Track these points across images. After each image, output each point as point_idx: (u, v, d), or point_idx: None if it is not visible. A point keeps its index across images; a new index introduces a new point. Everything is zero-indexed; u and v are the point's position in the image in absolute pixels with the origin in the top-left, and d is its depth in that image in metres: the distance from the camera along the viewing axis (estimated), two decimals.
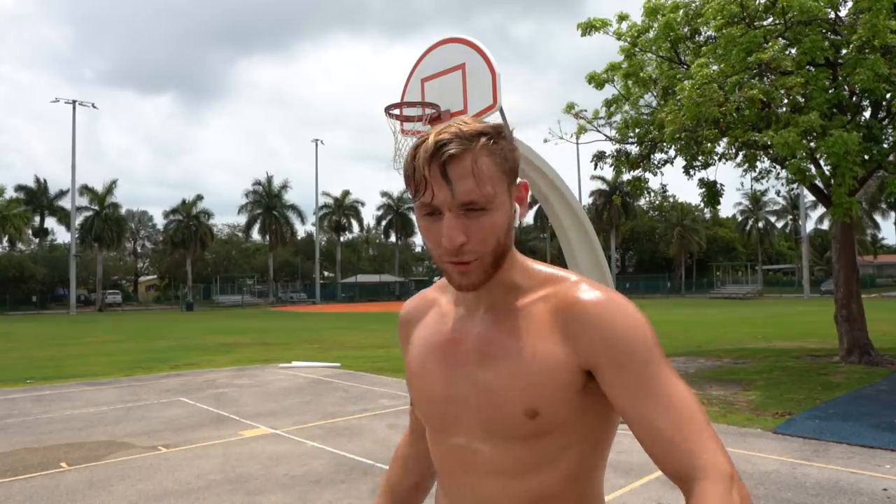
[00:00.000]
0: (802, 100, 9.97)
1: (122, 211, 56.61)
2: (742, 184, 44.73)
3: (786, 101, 10.33)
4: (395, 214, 67.71)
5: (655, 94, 11.92)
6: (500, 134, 0.96)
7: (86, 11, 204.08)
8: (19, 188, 53.06)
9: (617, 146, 12.77)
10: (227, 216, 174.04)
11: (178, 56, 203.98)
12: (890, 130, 10.69)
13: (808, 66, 10.04)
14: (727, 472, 0.85)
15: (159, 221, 65.05)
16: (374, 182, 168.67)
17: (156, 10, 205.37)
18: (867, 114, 10.89)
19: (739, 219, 67.52)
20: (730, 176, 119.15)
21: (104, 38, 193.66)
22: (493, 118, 6.70)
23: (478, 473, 1.02)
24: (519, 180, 1.00)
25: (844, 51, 10.10)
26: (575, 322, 0.95)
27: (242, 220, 62.61)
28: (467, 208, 0.92)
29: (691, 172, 12.27)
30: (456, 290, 1.02)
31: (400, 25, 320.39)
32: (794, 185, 15.01)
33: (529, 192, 1.03)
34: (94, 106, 49.47)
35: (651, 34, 11.80)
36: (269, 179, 60.77)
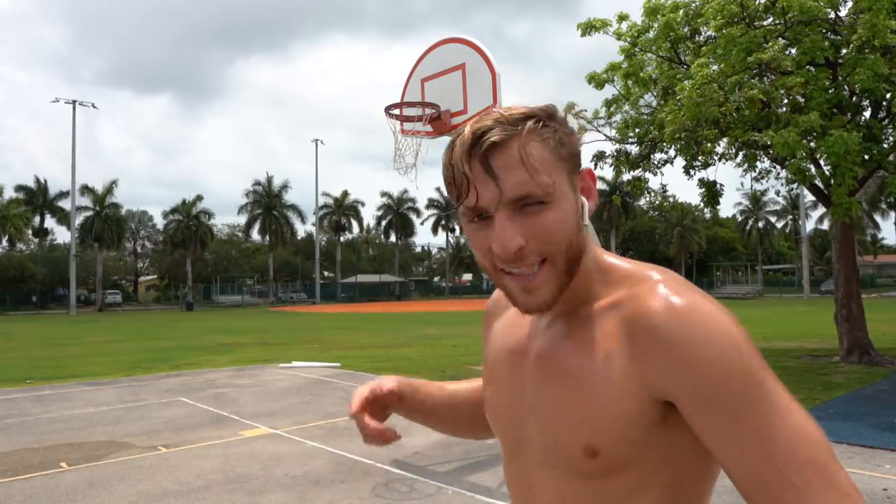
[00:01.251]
0: (802, 100, 9.97)
1: (123, 211, 56.73)
2: (742, 184, 44.74)
3: (786, 101, 10.33)
4: (394, 214, 67.73)
5: (655, 94, 11.92)
6: (550, 116, 0.80)
7: (82, 11, 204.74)
8: (19, 188, 53.16)
9: (617, 146, 12.77)
10: (224, 216, 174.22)
11: (175, 56, 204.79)
12: (890, 130, 10.69)
13: (808, 66, 10.04)
14: None
15: (159, 221, 65.17)
16: (373, 182, 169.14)
17: (152, 10, 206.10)
18: (867, 114, 10.89)
19: (739, 219, 67.59)
20: (730, 176, 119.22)
21: (101, 38, 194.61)
22: None
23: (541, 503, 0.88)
24: (583, 168, 0.84)
25: (844, 51, 10.10)
26: (643, 340, 0.75)
27: (242, 219, 62.74)
28: (522, 204, 0.77)
29: (691, 172, 12.27)
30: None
31: (397, 26, 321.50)
32: (794, 185, 15.01)
33: (597, 182, 0.87)
34: (94, 106, 49.53)
35: (651, 34, 11.80)
36: (269, 179, 60.94)
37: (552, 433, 0.83)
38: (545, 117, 0.80)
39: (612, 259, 0.87)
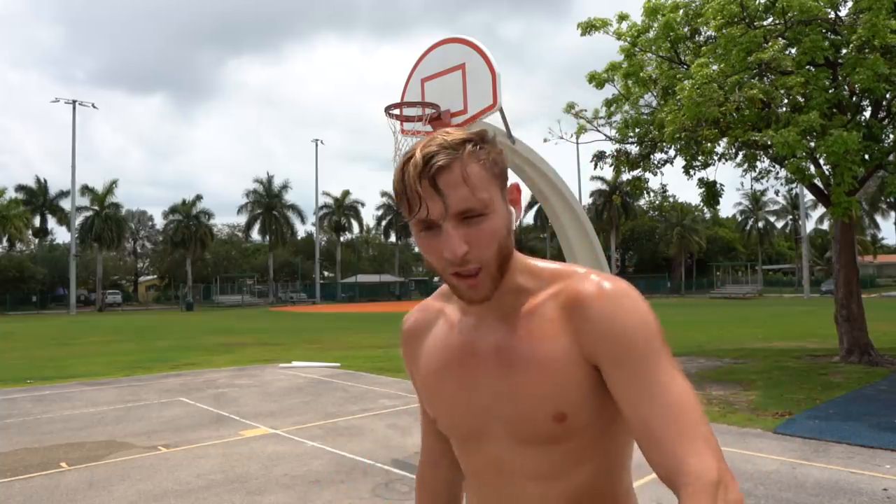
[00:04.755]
0: (802, 99, 9.97)
1: (122, 211, 56.70)
2: (742, 184, 44.77)
3: (786, 100, 10.33)
4: (394, 214, 67.71)
5: (655, 94, 11.92)
6: (484, 140, 0.95)
7: (74, 12, 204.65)
8: (20, 188, 53.15)
9: (617, 146, 12.77)
10: (220, 216, 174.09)
11: (167, 57, 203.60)
12: (890, 130, 10.69)
13: (808, 66, 10.04)
14: (712, 479, 0.81)
15: (159, 221, 65.19)
16: (369, 182, 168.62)
17: (144, 11, 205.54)
18: (867, 113, 10.90)
19: (739, 219, 67.59)
20: (730, 176, 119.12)
21: (93, 38, 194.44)
22: (493, 119, 6.70)
23: (516, 478, 1.02)
24: (510, 182, 0.99)
25: (844, 50, 10.10)
26: (578, 316, 0.94)
27: (239, 219, 62.80)
28: (465, 216, 0.91)
29: (691, 172, 12.27)
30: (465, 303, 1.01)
31: (388, 26, 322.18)
32: (794, 185, 15.02)
33: (522, 193, 1.02)
34: (94, 106, 49.59)
35: (651, 34, 11.80)
36: (270, 179, 60.87)
37: (521, 411, 0.98)
38: (479, 141, 0.95)
39: (539, 262, 1.04)
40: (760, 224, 65.42)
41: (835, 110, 10.13)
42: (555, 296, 0.98)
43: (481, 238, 0.92)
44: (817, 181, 10.77)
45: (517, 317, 1.00)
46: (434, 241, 0.93)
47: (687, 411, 0.86)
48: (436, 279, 79.30)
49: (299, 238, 68.99)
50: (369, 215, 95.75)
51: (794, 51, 10.19)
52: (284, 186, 60.70)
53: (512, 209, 0.98)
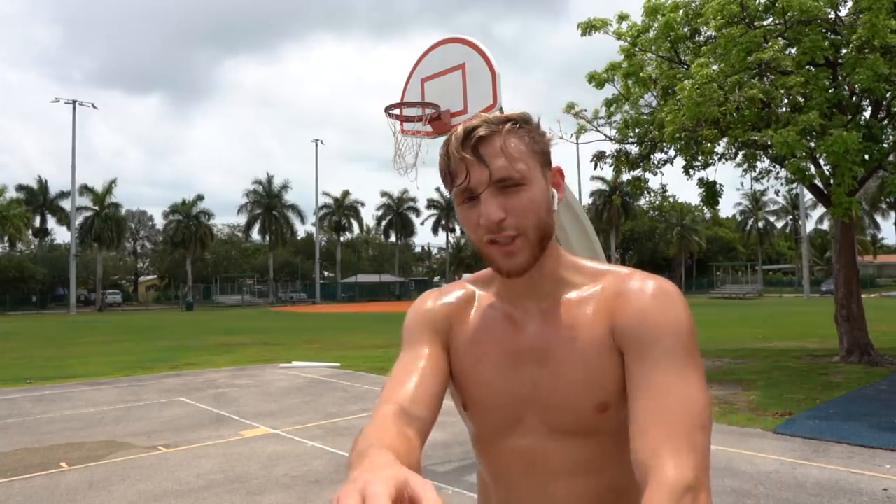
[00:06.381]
0: (802, 99, 9.97)
1: (122, 211, 56.69)
2: (742, 184, 44.64)
3: (786, 100, 10.33)
4: (394, 214, 67.71)
5: (655, 94, 11.92)
6: (525, 120, 0.99)
7: (70, 12, 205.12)
8: (20, 188, 53.15)
9: (617, 146, 12.77)
10: (219, 216, 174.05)
11: (164, 57, 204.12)
12: (890, 130, 10.69)
13: (808, 66, 10.04)
14: (684, 484, 0.76)
15: (159, 221, 65.19)
16: (368, 182, 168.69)
17: (140, 11, 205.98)
18: (867, 113, 10.89)
19: (739, 219, 67.62)
20: (730, 176, 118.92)
21: (90, 38, 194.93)
22: None
23: (548, 474, 1.00)
24: (554, 166, 1.02)
25: (844, 50, 10.10)
26: (617, 307, 0.96)
27: (239, 219, 62.80)
28: (503, 185, 0.94)
29: (691, 172, 12.27)
30: (503, 280, 1.02)
31: (385, 26, 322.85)
32: (794, 185, 15.01)
33: (566, 178, 1.06)
34: (94, 106, 49.58)
35: (651, 34, 11.79)
36: (270, 179, 60.87)
37: (562, 400, 0.97)
38: (521, 121, 0.99)
39: (585, 262, 1.06)
40: (760, 224, 65.45)
41: (835, 110, 10.13)
42: (600, 290, 1.00)
43: (520, 207, 0.94)
44: (817, 181, 10.77)
45: (558, 306, 1.01)
46: (473, 211, 0.96)
47: (687, 416, 0.83)
48: (436, 279, 79.27)
49: (299, 238, 69.00)
50: (369, 215, 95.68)
51: (794, 51, 10.19)
52: (284, 186, 60.74)
53: (554, 191, 1.02)
